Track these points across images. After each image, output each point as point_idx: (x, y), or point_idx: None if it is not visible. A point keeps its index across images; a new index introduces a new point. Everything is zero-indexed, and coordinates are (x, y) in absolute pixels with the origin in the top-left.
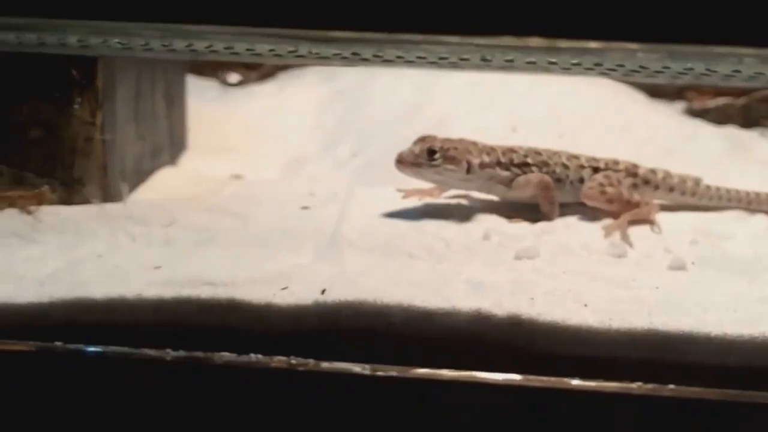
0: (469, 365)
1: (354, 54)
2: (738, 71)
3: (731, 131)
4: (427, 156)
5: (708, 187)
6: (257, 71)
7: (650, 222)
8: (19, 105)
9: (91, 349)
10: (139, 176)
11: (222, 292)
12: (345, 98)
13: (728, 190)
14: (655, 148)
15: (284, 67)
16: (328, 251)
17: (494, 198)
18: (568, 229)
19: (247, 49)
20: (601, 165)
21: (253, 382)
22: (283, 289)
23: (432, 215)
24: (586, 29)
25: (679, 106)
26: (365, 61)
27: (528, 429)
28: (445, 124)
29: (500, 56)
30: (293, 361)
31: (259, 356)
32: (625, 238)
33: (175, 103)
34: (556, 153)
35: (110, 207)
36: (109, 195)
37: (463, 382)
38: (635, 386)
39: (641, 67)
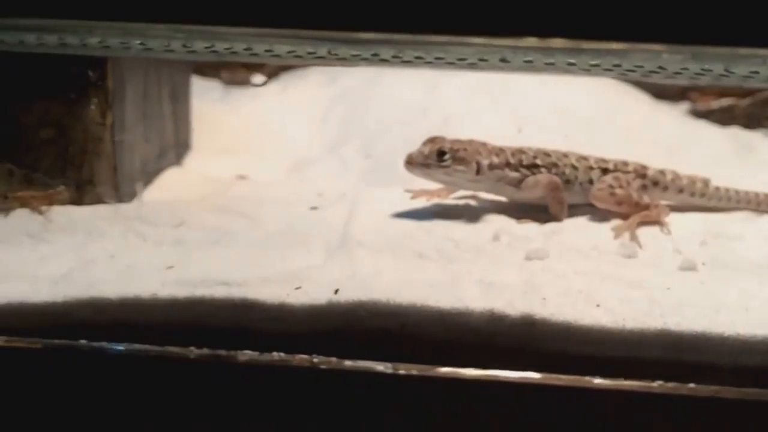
0: (483, 365)
1: (374, 55)
2: (756, 72)
3: (735, 132)
4: (437, 157)
5: (717, 188)
6: (260, 72)
7: (660, 223)
8: (29, 105)
9: (114, 347)
10: (146, 177)
11: (236, 292)
12: (349, 98)
13: (737, 191)
14: (660, 149)
15: (287, 67)
16: (338, 251)
17: (503, 199)
18: (577, 230)
19: (267, 50)
20: (610, 166)
21: (274, 380)
22: (297, 289)
23: (441, 216)
24: (606, 30)
25: (683, 107)
26: (384, 62)
27: (547, 428)
28: (450, 125)
29: (520, 57)
30: (315, 360)
31: (282, 354)
32: (634, 238)
33: (181, 103)
34: (565, 154)
35: (120, 207)
36: (119, 195)
37: (485, 380)
38: (656, 385)
39: (660, 68)
